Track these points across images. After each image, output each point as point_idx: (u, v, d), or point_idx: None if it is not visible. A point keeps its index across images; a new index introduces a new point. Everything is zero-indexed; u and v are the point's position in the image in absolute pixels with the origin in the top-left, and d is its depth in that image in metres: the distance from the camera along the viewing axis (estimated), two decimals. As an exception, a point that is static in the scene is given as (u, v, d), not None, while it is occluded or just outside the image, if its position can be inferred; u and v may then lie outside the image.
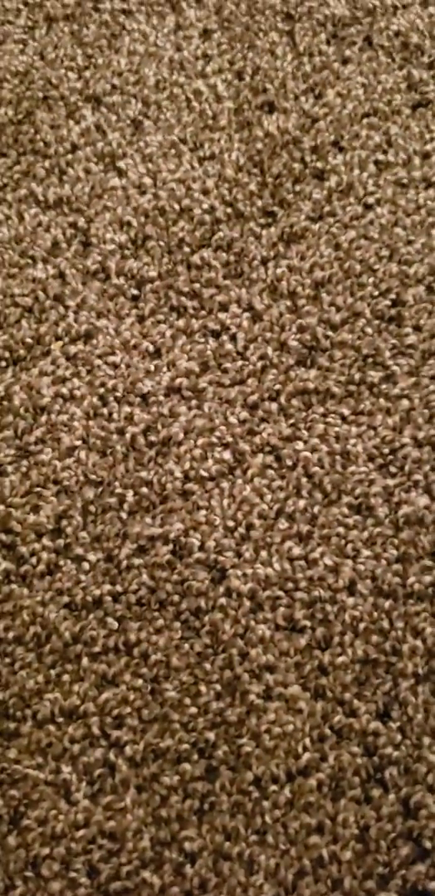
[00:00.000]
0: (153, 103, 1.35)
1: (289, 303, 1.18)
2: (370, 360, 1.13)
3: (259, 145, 1.30)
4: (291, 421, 1.10)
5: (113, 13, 1.45)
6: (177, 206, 1.26)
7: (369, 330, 1.15)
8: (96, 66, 1.40)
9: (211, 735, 0.95)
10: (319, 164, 1.28)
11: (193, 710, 0.96)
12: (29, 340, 1.18)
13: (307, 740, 0.94)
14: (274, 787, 0.92)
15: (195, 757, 0.94)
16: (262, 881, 0.89)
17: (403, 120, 1.31)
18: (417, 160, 1.27)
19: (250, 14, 1.43)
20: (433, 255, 1.19)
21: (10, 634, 1.01)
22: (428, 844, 0.89)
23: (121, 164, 1.30)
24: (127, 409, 1.13)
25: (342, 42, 1.39)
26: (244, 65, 1.38)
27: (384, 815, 0.90)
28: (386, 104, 1.32)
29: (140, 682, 0.98)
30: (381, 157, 1.28)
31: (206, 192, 1.27)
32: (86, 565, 1.04)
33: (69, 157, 1.32)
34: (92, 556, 1.04)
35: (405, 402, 1.10)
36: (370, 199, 1.25)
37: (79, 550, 1.05)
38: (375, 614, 0.99)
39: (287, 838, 0.90)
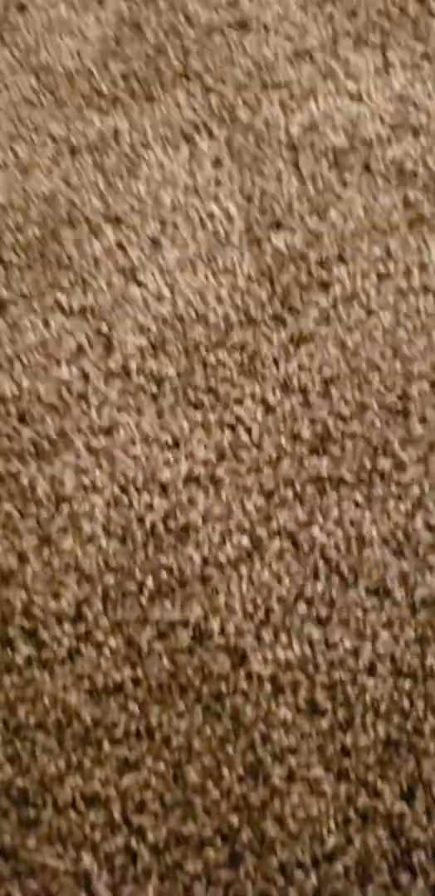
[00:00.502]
0: (169, 223, 1.33)
1: (300, 398, 1.12)
2: (380, 449, 1.07)
3: (268, 259, 1.26)
4: (307, 507, 1.03)
5: (132, 145, 1.44)
6: (193, 313, 1.21)
7: (378, 422, 1.09)
8: (116, 191, 1.38)
9: (234, 819, 0.84)
10: (324, 275, 1.24)
11: (216, 794, 0.86)
12: (52, 435, 1.12)
13: (332, 823, 0.84)
14: (300, 873, 0.82)
15: (218, 843, 0.84)
16: None
17: (401, 235, 1.28)
18: (415, 270, 1.23)
19: (258, 145, 1.42)
20: (434, 353, 1.14)
21: (32, 720, 0.91)
22: (461, 933, 0.78)
23: (140, 276, 1.26)
24: (146, 497, 1.06)
25: (343, 168, 1.37)
26: (253, 189, 1.36)
27: (414, 902, 0.80)
28: (384, 221, 1.29)
29: (162, 766, 0.88)
30: (381, 268, 1.24)
31: (220, 301, 1.22)
32: (106, 650, 0.95)
33: (92, 269, 1.28)
34: (112, 642, 0.95)
35: (416, 489, 1.03)
36: (373, 306, 1.20)
37: (99, 636, 0.96)
38: (396, 695, 0.90)
39: (315, 929, 0.80)
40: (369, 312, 1.20)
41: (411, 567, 0.98)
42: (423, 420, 1.09)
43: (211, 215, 1.33)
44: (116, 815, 0.86)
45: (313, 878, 0.81)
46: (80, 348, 1.20)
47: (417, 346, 1.15)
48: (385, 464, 1.06)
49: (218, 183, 1.37)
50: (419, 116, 1.43)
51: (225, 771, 0.87)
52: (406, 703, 0.89)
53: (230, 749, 0.88)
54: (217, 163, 1.40)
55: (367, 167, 1.37)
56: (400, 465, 1.06)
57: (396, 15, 1.60)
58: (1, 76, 1.58)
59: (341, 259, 1.26)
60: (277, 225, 1.31)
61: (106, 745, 0.89)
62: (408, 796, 0.84)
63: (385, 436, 1.08)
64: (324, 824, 0.84)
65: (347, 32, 1.58)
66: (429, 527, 1.01)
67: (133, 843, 0.84)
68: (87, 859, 0.84)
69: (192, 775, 0.87)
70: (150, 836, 0.84)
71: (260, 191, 1.35)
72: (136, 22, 1.63)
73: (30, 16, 1.64)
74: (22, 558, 1.02)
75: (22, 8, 1.64)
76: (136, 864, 0.83)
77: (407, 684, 0.90)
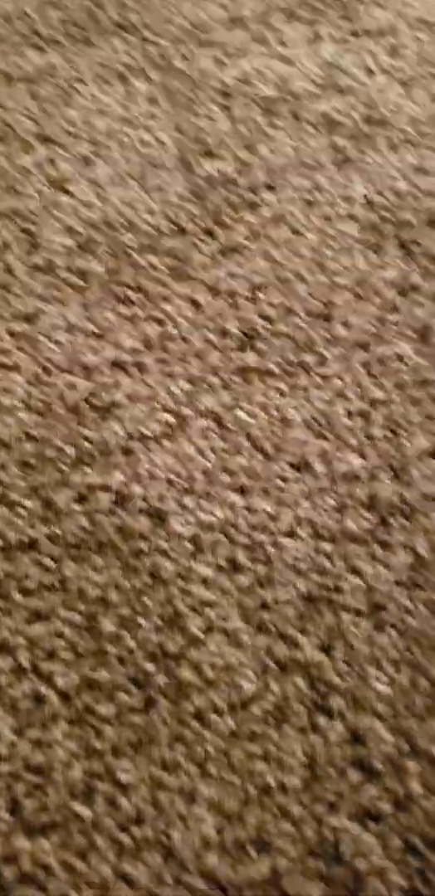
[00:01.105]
0: (102, 145, 1.30)
1: (229, 300, 1.10)
2: (304, 347, 1.05)
3: (200, 182, 1.25)
4: (233, 393, 1.00)
5: (68, 80, 1.42)
6: (123, 221, 1.18)
7: (303, 324, 1.08)
8: (50, 116, 1.35)
9: (150, 667, 0.79)
10: (254, 198, 1.23)
11: (132, 643, 0.80)
12: (-25, 318, 1.06)
13: (250, 672, 0.79)
14: (216, 718, 0.77)
15: (132, 688, 0.78)
16: (203, 812, 0.72)
17: (328, 172, 1.28)
18: (340, 201, 1.24)
19: (192, 90, 1.42)
20: (357, 271, 1.14)
21: None
22: (379, 767, 0.74)
23: (70, 187, 1.23)
24: (70, 378, 1.01)
25: (273, 115, 1.38)
26: (186, 125, 1.35)
27: (331, 741, 0.75)
28: (312, 160, 1.30)
29: (75, 616, 0.82)
30: (308, 196, 1.24)
31: (151, 213, 1.20)
32: (21, 510, 0.89)
33: (22, 179, 1.24)
34: (29, 503, 0.90)
35: (337, 382, 1.02)
36: (300, 228, 1.19)
37: (14, 496, 0.90)
38: (316, 555, 0.87)
39: (230, 768, 0.74)
40: (296, 233, 1.19)
41: (331, 447, 0.96)
42: (345, 324, 1.08)
43: (144, 142, 1.31)
44: (24, 663, 0.79)
45: (230, 722, 0.76)
46: (5, 244, 1.15)
47: (341, 263, 1.15)
48: (309, 359, 1.04)
49: (152, 116, 1.36)
50: (346, 80, 1.46)
51: (141, 621, 0.81)
52: (326, 563, 0.86)
53: (148, 601, 0.83)
54: (152, 100, 1.39)
55: (296, 116, 1.38)
56: (323, 361, 1.04)
57: (325, -3, 1.64)
58: None
59: (270, 187, 1.26)
60: (209, 154, 1.30)
61: (16, 596, 0.83)
62: (327, 648, 0.81)
63: (310, 336, 1.06)
64: (241, 673, 0.79)
65: (280, 8, 1.61)
66: (349, 413, 0.99)
67: (41, 689, 0.78)
68: (-9, 703, 0.77)
69: (108, 625, 0.81)
70: (60, 682, 0.78)
71: (193, 126, 1.34)
72: (76, -21, 1.62)
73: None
74: None
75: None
76: (44, 708, 0.77)
77: (327, 546, 0.87)
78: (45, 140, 1.31)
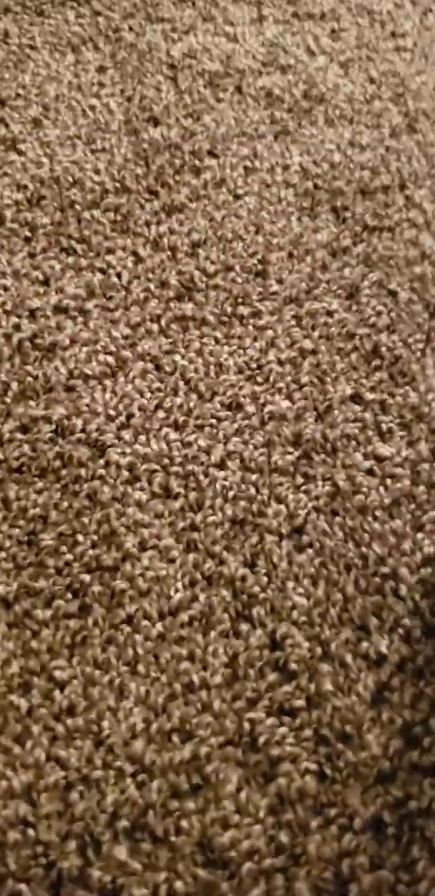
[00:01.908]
0: (52, 109, 1.35)
1: (169, 254, 1.16)
2: (240, 300, 1.12)
3: (145, 146, 1.31)
4: (170, 339, 1.06)
5: (20, 46, 1.46)
6: (70, 178, 1.24)
7: (239, 280, 1.14)
8: (2, 80, 1.39)
9: (86, 577, 0.85)
10: (196, 163, 1.29)
11: (69, 556, 0.86)
12: None
13: (179, 584, 0.85)
14: (146, 623, 0.82)
15: (69, 596, 0.83)
16: (132, 705, 0.78)
17: (267, 142, 1.35)
18: (279, 169, 1.31)
19: (140, 61, 1.47)
20: (292, 233, 1.21)
21: None
22: (294, 667, 0.80)
23: (20, 146, 1.28)
24: (14, 319, 1.06)
25: (217, 88, 1.44)
26: (133, 93, 1.40)
27: (252, 645, 0.82)
28: (253, 130, 1.37)
29: (16, 532, 0.87)
30: (248, 164, 1.31)
31: (97, 172, 1.25)
32: (-32, 437, 0.94)
33: (-27, 136, 1.29)
34: (-26, 431, 0.95)
35: (270, 332, 1.08)
36: (240, 192, 1.26)
37: (-38, 425, 0.95)
38: (243, 485, 0.93)
39: (158, 667, 0.80)
40: (236, 197, 1.25)
41: (262, 390, 1.02)
42: (279, 281, 1.15)
43: (92, 108, 1.36)
44: (-32, 573, 0.84)
45: (159, 627, 0.82)
46: (-43, 197, 1.20)
47: (277, 225, 1.22)
48: (244, 311, 1.10)
49: (101, 85, 1.41)
50: (287, 59, 1.53)
51: (80, 538, 0.87)
52: (252, 491, 0.92)
53: (86, 520, 0.88)
54: (101, 70, 1.44)
55: (239, 90, 1.45)
56: (257, 314, 1.11)
57: (271, -18, 1.70)
58: None
59: (212, 154, 1.32)
60: (155, 121, 1.36)
61: (-39, 514, 0.88)
62: (250, 564, 0.87)
63: (245, 290, 1.13)
64: (171, 585, 0.85)
65: (227, -11, 1.67)
66: (280, 361, 1.05)
67: (-17, 596, 0.83)
68: None
69: (47, 541, 0.87)
70: (1, 590, 0.83)
71: (140, 95, 1.40)
72: None
73: None
74: None
75: None
76: (-14, 614, 0.82)
77: (254, 477, 0.94)
78: (-3, 101, 1.35)
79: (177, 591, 0.85)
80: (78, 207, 1.20)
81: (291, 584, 0.86)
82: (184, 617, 0.83)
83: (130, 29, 1.54)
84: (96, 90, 1.40)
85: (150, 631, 0.82)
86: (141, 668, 0.80)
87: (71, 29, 1.52)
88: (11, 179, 1.23)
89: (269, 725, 0.78)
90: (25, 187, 1.22)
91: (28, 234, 1.16)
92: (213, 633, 0.82)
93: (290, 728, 0.78)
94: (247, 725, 0.78)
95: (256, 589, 0.85)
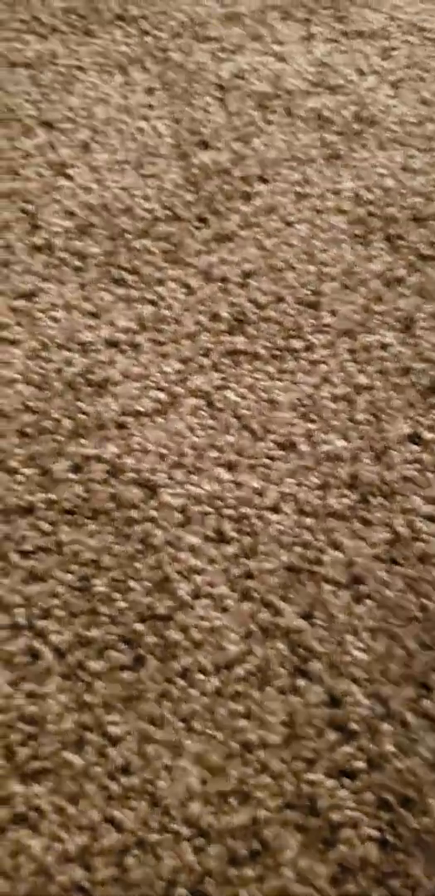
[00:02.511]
0: (101, 132, 1.32)
1: (220, 285, 1.13)
2: (292, 332, 1.08)
3: (195, 171, 1.28)
4: (222, 374, 1.03)
5: (68, 67, 1.44)
6: (120, 205, 1.21)
7: (291, 311, 1.10)
8: (50, 102, 1.36)
9: (140, 627, 0.82)
10: (246, 189, 1.26)
11: (123, 604, 0.83)
12: (-25, 293, 1.08)
13: (234, 635, 0.82)
14: (201, 677, 0.79)
15: (123, 647, 0.81)
16: (188, 764, 0.75)
17: (318, 166, 1.31)
18: (330, 195, 1.27)
19: (188, 82, 1.44)
20: (345, 262, 1.17)
21: None
22: (354, 726, 0.77)
23: (70, 171, 1.25)
24: (66, 354, 1.03)
25: (266, 109, 1.41)
26: (182, 115, 1.37)
27: (310, 703, 0.78)
28: (303, 154, 1.33)
29: (69, 578, 0.84)
30: (299, 189, 1.27)
31: (147, 199, 1.22)
32: (20, 477, 0.91)
33: (22, 161, 1.26)
34: (26, 470, 0.92)
35: (323, 367, 1.05)
36: (291, 218, 1.22)
37: (13, 464, 0.92)
38: (298, 530, 0.90)
39: (214, 724, 0.77)
40: (287, 224, 1.22)
41: (316, 428, 0.99)
42: (332, 313, 1.11)
43: (141, 130, 1.33)
44: (21, 620, 0.82)
45: (214, 681, 0.79)
46: (6, 224, 1.17)
47: (329, 254, 1.18)
48: (296, 344, 1.07)
49: (149, 106, 1.38)
50: (337, 79, 1.49)
51: (133, 584, 0.84)
52: (308, 537, 0.89)
53: (139, 566, 0.86)
54: (149, 91, 1.41)
55: (288, 111, 1.41)
56: (310, 347, 1.07)
57: (319, -2, 1.66)
58: None
59: (263, 179, 1.28)
60: (204, 144, 1.32)
61: (14, 558, 0.85)
62: (307, 615, 0.84)
63: (298, 322, 1.09)
64: (226, 636, 0.82)
65: (275, 6, 1.63)
66: (334, 398, 1.02)
67: (36, 644, 0.80)
68: (-12, 658, 0.79)
69: (100, 587, 0.84)
70: (54, 639, 0.81)
71: (189, 117, 1.37)
72: (77, -30, 1.64)
73: None
74: None
75: None
76: (38, 663, 0.79)
77: (309, 521, 0.90)
78: (46, 125, 1.33)
79: (232, 642, 0.81)
80: (128, 236, 1.17)
81: (349, 638, 0.82)
82: (240, 671, 0.80)
83: (178, 49, 1.50)
84: (145, 112, 1.37)
85: (205, 685, 0.79)
86: (197, 724, 0.77)
87: (118, 49, 1.49)
88: (61, 206, 1.20)
89: (329, 788, 0.74)
90: (75, 214, 1.19)
91: (78, 263, 1.13)
92: (269, 689, 0.79)
93: (350, 791, 0.75)
94: (306, 787, 0.75)
95: (314, 642, 0.82)
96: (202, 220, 1.21)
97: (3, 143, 1.28)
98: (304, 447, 0.97)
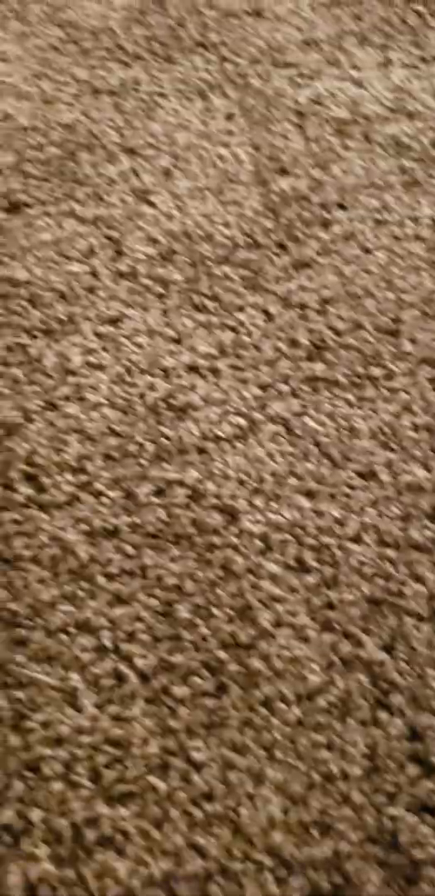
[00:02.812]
0: (182, 158, 1.33)
1: (299, 311, 1.12)
2: (372, 360, 1.07)
3: (274, 197, 1.28)
4: (301, 401, 1.03)
5: (150, 94, 1.45)
6: (201, 232, 1.22)
7: (371, 338, 1.10)
8: (133, 128, 1.38)
9: (222, 654, 0.82)
10: (325, 215, 1.25)
11: (205, 630, 0.83)
12: (61, 317, 1.10)
13: (316, 666, 0.82)
14: (283, 707, 0.79)
15: (206, 673, 0.81)
16: (270, 793, 0.75)
17: (396, 193, 1.30)
18: (408, 221, 1.25)
19: (267, 108, 1.44)
20: (424, 289, 1.15)
21: (27, 553, 0.88)
22: (437, 763, 0.76)
23: (152, 198, 1.27)
24: (149, 379, 1.04)
25: (344, 136, 1.40)
26: (262, 142, 1.37)
27: (392, 736, 0.77)
28: (382, 180, 1.32)
29: (153, 602, 0.85)
30: (378, 216, 1.26)
31: (227, 225, 1.23)
32: (105, 499, 0.93)
33: (107, 188, 1.28)
34: (111, 493, 0.93)
35: (404, 395, 1.04)
36: (369, 245, 1.22)
37: (99, 486, 0.94)
38: (380, 561, 0.89)
39: (296, 754, 0.77)
40: (366, 251, 1.21)
41: (397, 458, 0.98)
42: (413, 340, 1.10)
43: (221, 157, 1.34)
44: (106, 643, 0.83)
45: (296, 712, 0.79)
46: (91, 250, 1.19)
47: (408, 281, 1.17)
48: (376, 372, 1.06)
49: (229, 132, 1.39)
50: (415, 105, 1.47)
51: (215, 611, 0.84)
52: (390, 569, 0.88)
53: (221, 592, 0.86)
54: (229, 117, 1.42)
55: (366, 137, 1.40)
56: (390, 375, 1.06)
57: (397, 23, 1.65)
58: (30, 26, 1.59)
59: (341, 206, 1.28)
60: (283, 171, 1.32)
61: (100, 580, 0.86)
62: (389, 648, 0.83)
63: (377, 349, 1.09)
64: (307, 666, 0.82)
65: (352, 32, 1.62)
66: (414, 426, 1.01)
67: (121, 667, 0.81)
68: (74, 678, 0.80)
69: (183, 613, 0.84)
70: (139, 663, 0.81)
71: (268, 143, 1.37)
72: (161, 2, 1.66)
73: (60, -20, 1.66)
74: (27, 416, 1.00)
75: (52, -24, 1.66)
76: (124, 687, 0.80)
77: (391, 553, 0.89)
78: (129, 151, 1.35)
79: (313, 673, 0.81)
80: (209, 263, 1.18)
81: (431, 672, 0.81)
82: (321, 702, 0.79)
83: (257, 75, 1.51)
84: (225, 138, 1.38)
85: (287, 715, 0.79)
86: (279, 753, 0.77)
87: (199, 75, 1.51)
88: (144, 233, 1.21)
89: (410, 823, 0.73)
90: (157, 241, 1.20)
91: (161, 290, 1.14)
92: (351, 721, 0.78)
93: (432, 828, 0.73)
94: (387, 822, 0.74)
95: (395, 675, 0.81)
96: (281, 246, 1.21)
97: (89, 170, 1.31)
98: (384, 476, 0.96)
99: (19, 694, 0.79)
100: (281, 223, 1.24)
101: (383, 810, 0.74)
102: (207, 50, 1.56)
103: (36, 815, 0.73)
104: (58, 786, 0.75)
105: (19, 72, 1.50)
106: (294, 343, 1.09)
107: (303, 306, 1.14)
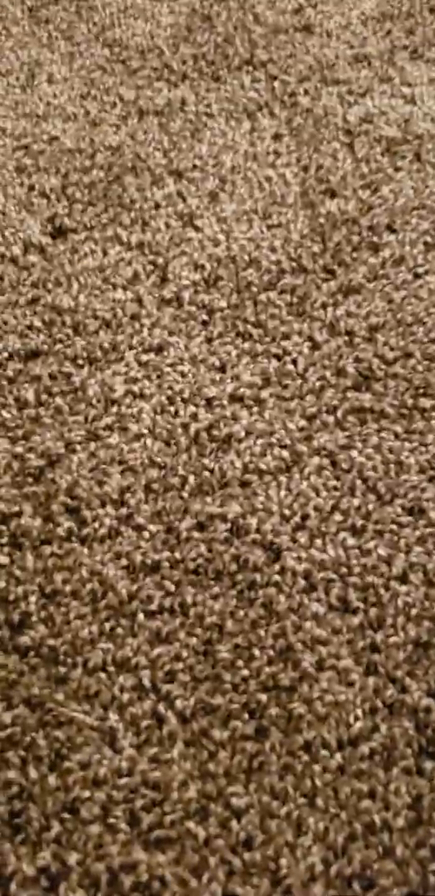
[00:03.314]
0: (229, 181, 1.34)
1: (346, 339, 1.12)
2: (421, 390, 1.06)
3: (322, 220, 1.28)
4: (347, 433, 1.02)
5: (197, 114, 1.47)
6: (246, 257, 1.22)
7: (420, 367, 1.09)
8: (180, 150, 1.39)
9: (263, 697, 0.82)
10: (374, 239, 1.25)
11: (246, 672, 0.83)
12: (105, 346, 1.11)
13: (359, 711, 0.81)
14: (325, 753, 0.79)
15: (246, 716, 0.81)
16: (310, 843, 0.74)
17: (448, 214, 1.29)
18: (461, 245, 1.25)
19: (316, 127, 1.44)
20: (477, 316, 1.14)
21: (68, 588, 0.89)
22: None
23: (198, 222, 1.27)
24: (192, 409, 1.05)
25: (395, 155, 1.39)
26: (310, 162, 1.37)
27: (438, 788, 0.77)
28: (433, 202, 1.31)
29: (194, 641, 0.85)
30: (429, 239, 1.25)
31: (273, 250, 1.23)
32: (146, 534, 0.93)
33: (152, 212, 1.29)
34: (152, 527, 0.94)
35: (454, 428, 1.03)
36: (420, 270, 1.21)
37: (140, 520, 0.95)
38: (427, 603, 0.88)
39: (337, 803, 0.76)
40: (416, 276, 1.20)
41: (447, 494, 0.97)
42: (463, 370, 1.09)
43: (268, 179, 1.34)
44: (146, 682, 0.83)
45: (338, 758, 0.79)
46: (135, 276, 1.20)
47: (460, 307, 1.16)
48: (426, 403, 1.05)
49: (277, 153, 1.39)
50: (469, 121, 1.46)
51: (256, 652, 0.84)
52: (437, 610, 0.87)
53: (262, 633, 0.86)
54: (277, 137, 1.42)
55: (417, 157, 1.39)
56: (440, 407, 1.05)
57: (451, 36, 1.64)
58: (77, 45, 1.61)
59: (391, 229, 1.27)
60: (331, 193, 1.32)
61: (140, 617, 0.87)
62: (435, 694, 0.82)
63: (427, 379, 1.07)
64: (351, 711, 0.81)
65: (404, 46, 1.61)
66: (466, 462, 1.00)
67: (161, 708, 0.82)
68: (113, 717, 0.81)
69: (223, 653, 0.84)
70: (178, 704, 0.82)
71: (316, 164, 1.37)
72: (207, 15, 1.67)
73: None
74: (69, 447, 1.01)
75: (100, -5, 1.69)
76: (163, 728, 0.81)
77: (439, 594, 0.88)
78: (175, 174, 1.36)
79: (357, 718, 0.80)
80: (254, 289, 1.18)
81: None
82: (364, 749, 0.78)
83: (306, 93, 1.51)
84: (272, 160, 1.38)
85: (328, 761, 0.78)
86: (319, 801, 0.76)
87: (247, 95, 1.51)
88: (189, 258, 1.22)
89: (455, 881, 0.73)
90: (202, 267, 1.21)
91: (205, 317, 1.15)
92: (395, 770, 0.78)
93: None
94: (432, 878, 0.73)
95: (442, 723, 0.80)
96: (329, 271, 1.21)
97: (134, 194, 1.32)
98: (433, 514, 0.95)
99: (58, 733, 0.80)
100: (328, 247, 1.24)
101: (428, 865, 0.73)
102: (255, 68, 1.57)
103: (73, 858, 0.74)
104: (95, 829, 0.76)
105: (66, 93, 1.52)
106: (341, 372, 1.09)
107: (350, 334, 1.13)
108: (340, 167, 1.37)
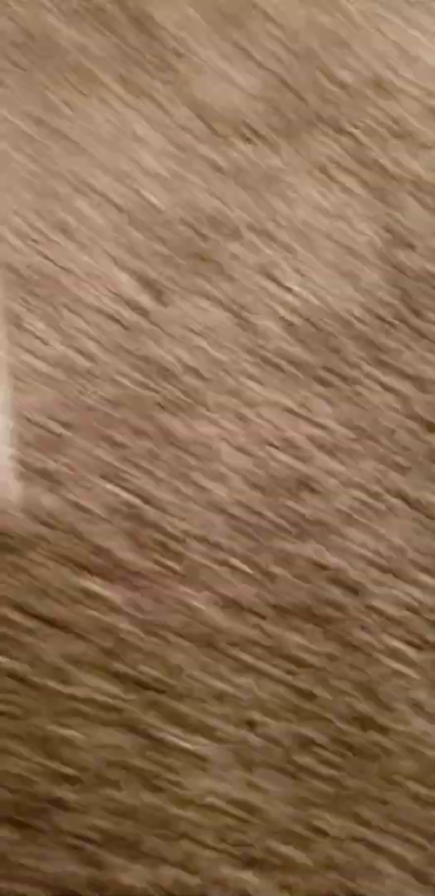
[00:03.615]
0: (305, 235, 1.42)
1: (425, 388, 1.18)
2: None
3: (397, 272, 1.34)
4: (427, 477, 1.08)
5: (273, 170, 1.55)
6: (325, 307, 1.29)
7: None
8: (257, 205, 1.48)
9: (344, 726, 0.88)
10: (447, 289, 1.31)
11: (328, 702, 0.89)
12: (192, 392, 1.20)
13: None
14: (402, 780, 0.84)
15: (329, 744, 0.87)
16: (389, 866, 0.79)
17: None
18: None
19: (387, 181, 1.51)
20: None
21: (160, 619, 0.97)
22: None
23: (276, 272, 1.36)
24: (274, 452, 1.12)
25: (467, 207, 1.46)
26: (385, 217, 1.44)
27: None
28: None
29: (278, 673, 0.92)
30: None
31: (351, 301, 1.30)
32: (230, 569, 1.01)
33: (233, 264, 1.38)
34: (236, 562, 1.01)
35: None
36: None
37: (224, 556, 1.02)
38: None
39: (415, 829, 0.81)
40: None
41: None
42: None
43: (344, 232, 1.42)
44: (233, 709, 0.90)
45: (420, 790, 0.84)
46: (220, 325, 1.29)
47: None
48: None
49: (350, 206, 1.47)
50: None
51: (337, 683, 0.90)
52: None
53: (343, 666, 0.92)
54: (349, 191, 1.50)
55: None
56: None
57: None
58: (159, 106, 1.72)
59: (465, 280, 1.33)
60: (406, 244, 1.39)
61: (227, 648, 0.94)
62: None
63: None
64: (428, 743, 0.86)
65: (474, 99, 1.68)
66: None
67: (247, 733, 0.88)
68: (203, 742, 0.87)
69: (305, 684, 0.90)
70: (265, 731, 0.88)
71: (390, 217, 1.44)
72: (283, 79, 1.76)
73: (188, 61, 1.79)
74: (159, 486, 1.09)
75: (179, 55, 1.80)
76: (251, 752, 0.87)
77: None
78: (253, 228, 1.44)
79: (433, 749, 0.86)
80: (334, 339, 1.25)
81: None
82: (443, 779, 0.84)
83: (378, 147, 1.58)
84: (346, 213, 1.46)
85: (406, 790, 0.83)
86: (395, 827, 0.81)
87: (319, 150, 1.59)
88: (269, 309, 1.30)
89: None
90: (283, 318, 1.29)
91: (287, 366, 1.22)
92: (472, 800, 0.82)
93: None
94: None
95: None
96: (405, 321, 1.27)
97: (215, 248, 1.41)
98: None
99: (153, 754, 0.87)
100: (405, 300, 1.30)
101: None
102: (327, 124, 1.65)
103: (165, 871, 0.81)
104: (186, 845, 0.82)
105: (151, 152, 1.63)
106: (419, 419, 1.15)
107: (431, 383, 1.19)
108: (413, 219, 1.43)
